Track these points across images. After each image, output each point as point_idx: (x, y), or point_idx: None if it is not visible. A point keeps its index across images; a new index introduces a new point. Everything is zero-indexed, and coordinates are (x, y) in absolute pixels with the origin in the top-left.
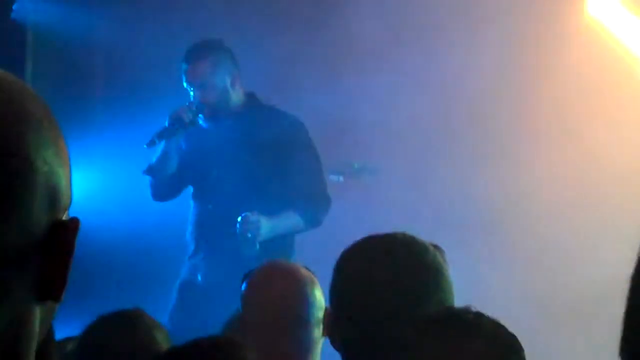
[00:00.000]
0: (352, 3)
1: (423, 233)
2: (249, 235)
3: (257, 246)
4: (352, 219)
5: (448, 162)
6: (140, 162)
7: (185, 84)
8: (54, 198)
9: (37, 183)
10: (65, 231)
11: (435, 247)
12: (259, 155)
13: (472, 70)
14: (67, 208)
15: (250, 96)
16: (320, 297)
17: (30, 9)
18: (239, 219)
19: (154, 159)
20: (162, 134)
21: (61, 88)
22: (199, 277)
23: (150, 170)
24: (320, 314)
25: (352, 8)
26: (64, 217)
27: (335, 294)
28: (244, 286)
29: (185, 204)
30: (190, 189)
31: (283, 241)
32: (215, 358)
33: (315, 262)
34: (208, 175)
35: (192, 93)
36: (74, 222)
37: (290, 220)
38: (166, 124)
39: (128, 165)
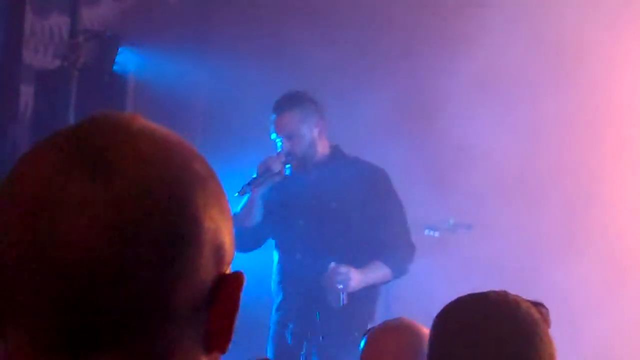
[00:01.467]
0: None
1: (522, 290)
2: (340, 286)
3: (345, 299)
4: (446, 274)
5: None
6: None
7: (272, 135)
8: (220, 254)
9: (205, 241)
10: (230, 285)
11: (536, 304)
12: (345, 205)
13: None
14: (230, 262)
15: (334, 148)
16: None
17: (131, 61)
18: (329, 270)
19: (238, 209)
20: (252, 183)
21: None
22: (290, 326)
23: (235, 220)
24: None
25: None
26: (228, 271)
27: (431, 354)
28: (362, 343)
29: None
30: (272, 240)
31: (368, 292)
32: None
33: (412, 317)
34: (294, 225)
35: (279, 143)
36: (238, 276)
37: (379, 271)
38: (255, 174)
39: None
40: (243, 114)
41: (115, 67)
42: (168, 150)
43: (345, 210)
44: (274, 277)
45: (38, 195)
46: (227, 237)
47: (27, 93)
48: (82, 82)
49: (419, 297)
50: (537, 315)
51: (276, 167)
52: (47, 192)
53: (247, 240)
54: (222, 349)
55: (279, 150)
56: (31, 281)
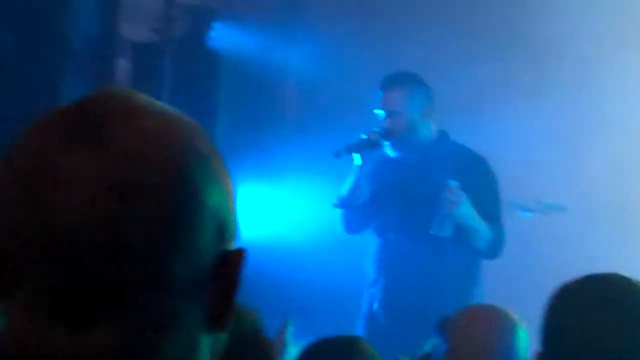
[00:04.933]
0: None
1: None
2: (451, 203)
3: (450, 229)
4: (539, 256)
5: None
6: (330, 193)
7: (376, 110)
8: (221, 230)
9: (205, 216)
10: (231, 262)
11: None
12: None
13: None
14: (232, 239)
15: (441, 133)
16: (525, 340)
17: (225, 37)
18: (448, 187)
19: (344, 191)
20: (348, 148)
21: (252, 114)
22: (375, 306)
23: (342, 202)
24: (525, 355)
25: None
26: (231, 248)
27: (549, 334)
28: (446, 329)
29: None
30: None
31: (467, 279)
32: None
33: (507, 296)
34: (392, 205)
35: (382, 119)
36: (239, 253)
37: (484, 228)
38: (353, 141)
39: (316, 198)
40: (334, 93)
41: (208, 42)
42: (169, 126)
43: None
44: (369, 257)
45: (35, 165)
46: (230, 215)
47: (123, 67)
48: (176, 56)
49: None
50: None
51: (373, 137)
52: (44, 162)
53: (355, 222)
54: (222, 327)
55: (379, 125)
56: (29, 250)
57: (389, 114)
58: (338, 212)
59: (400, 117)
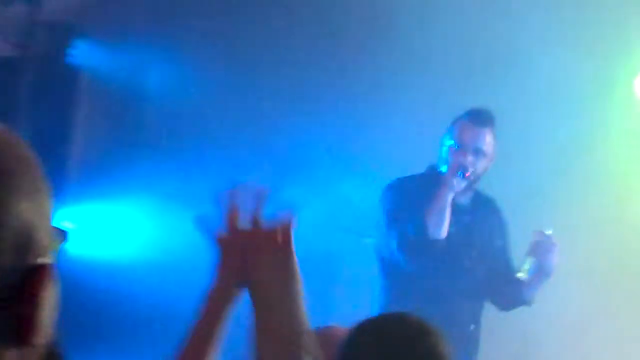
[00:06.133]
0: None
1: None
2: (546, 252)
3: (532, 274)
4: None
5: None
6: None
7: (450, 140)
8: (26, 247)
9: (4, 237)
10: (35, 277)
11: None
12: (499, 240)
13: None
14: (43, 255)
15: None
16: None
17: (85, 54)
18: (543, 234)
19: (429, 217)
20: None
21: (112, 132)
22: None
23: (423, 228)
24: None
25: None
26: (43, 262)
27: None
28: None
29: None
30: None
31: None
32: None
33: None
34: (466, 255)
35: (447, 150)
36: (43, 268)
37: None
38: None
39: (175, 213)
40: (199, 114)
41: (69, 59)
42: None
43: (497, 245)
44: (402, 300)
45: None
46: (39, 231)
47: None
48: (35, 72)
49: None
50: (444, 348)
51: (465, 170)
52: None
53: (426, 256)
54: (28, 343)
55: (444, 155)
56: None
57: (476, 150)
58: (414, 242)
59: (484, 159)
